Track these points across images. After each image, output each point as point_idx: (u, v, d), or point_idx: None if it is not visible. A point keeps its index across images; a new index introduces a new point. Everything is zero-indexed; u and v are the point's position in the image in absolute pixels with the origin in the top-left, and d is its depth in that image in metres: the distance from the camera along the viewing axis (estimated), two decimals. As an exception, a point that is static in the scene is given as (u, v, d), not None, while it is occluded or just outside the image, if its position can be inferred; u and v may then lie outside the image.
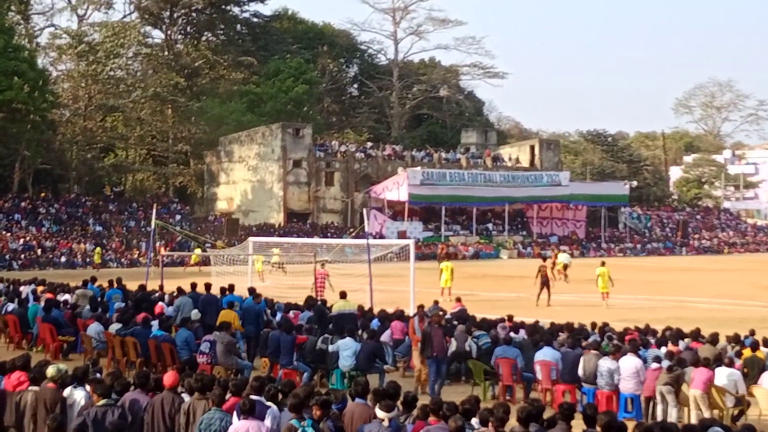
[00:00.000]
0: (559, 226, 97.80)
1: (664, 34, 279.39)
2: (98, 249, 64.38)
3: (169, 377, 13.70)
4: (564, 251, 68.47)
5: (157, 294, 29.57)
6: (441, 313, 23.61)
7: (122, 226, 75.35)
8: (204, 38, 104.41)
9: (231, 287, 27.65)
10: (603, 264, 43.11)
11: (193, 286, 27.93)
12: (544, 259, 47.64)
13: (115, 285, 29.76)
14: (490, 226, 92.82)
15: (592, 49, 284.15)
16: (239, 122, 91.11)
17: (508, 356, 20.54)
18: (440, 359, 20.70)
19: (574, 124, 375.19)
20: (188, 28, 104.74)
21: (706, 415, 17.33)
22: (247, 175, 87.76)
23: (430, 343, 20.57)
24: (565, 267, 53.87)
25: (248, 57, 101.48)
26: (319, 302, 27.66)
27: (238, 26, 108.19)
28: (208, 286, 27.56)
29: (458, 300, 30.43)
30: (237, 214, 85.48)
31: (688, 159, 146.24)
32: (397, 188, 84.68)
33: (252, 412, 12.45)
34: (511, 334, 23.01)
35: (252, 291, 27.58)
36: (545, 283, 41.54)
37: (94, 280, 30.93)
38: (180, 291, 27.77)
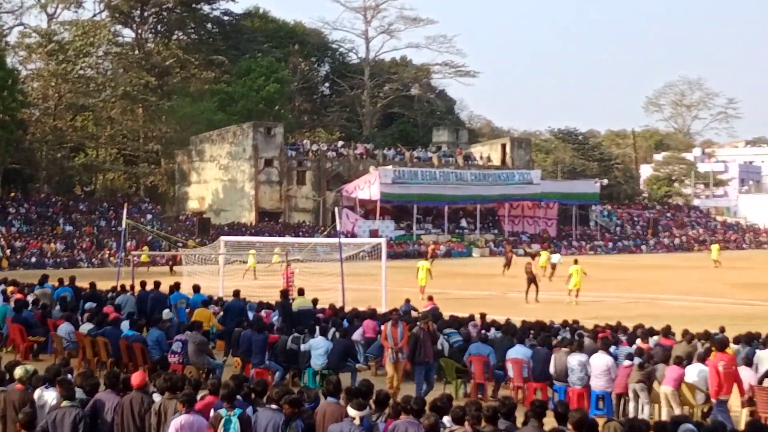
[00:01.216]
0: (530, 224, 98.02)
1: (635, 32, 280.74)
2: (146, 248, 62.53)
3: (136, 377, 13.64)
4: (556, 251, 69.30)
5: (108, 293, 29.43)
6: (428, 318, 23.48)
7: (93, 225, 74.91)
8: (175, 37, 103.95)
9: (176, 285, 27.51)
10: (576, 262, 43.64)
11: (156, 284, 27.85)
12: (532, 257, 48.34)
13: (66, 283, 29.48)
14: (463, 223, 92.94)
15: (563, 47, 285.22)
16: (210, 121, 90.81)
17: (481, 354, 20.57)
18: (430, 366, 20.48)
19: (546, 122, 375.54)
20: (159, 27, 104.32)
21: (677, 411, 17.42)
22: (218, 174, 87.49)
23: (420, 349, 20.20)
24: (554, 266, 54.12)
25: (219, 56, 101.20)
26: (291, 299, 27.67)
27: (209, 25, 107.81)
28: (157, 284, 27.51)
29: (430, 299, 30.47)
30: (208, 213, 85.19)
31: (659, 157, 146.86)
32: (368, 187, 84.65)
33: (192, 405, 12.50)
34: (484, 331, 23.07)
35: (236, 293, 27.66)
36: (532, 280, 42.04)
37: (46, 278, 30.62)
38: (122, 289, 27.85)
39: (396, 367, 20.44)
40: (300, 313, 25.63)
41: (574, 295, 41.11)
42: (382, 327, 21.40)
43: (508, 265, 57.65)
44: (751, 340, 21.84)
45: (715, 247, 72.86)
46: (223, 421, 12.35)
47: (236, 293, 27.49)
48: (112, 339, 21.98)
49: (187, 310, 26.61)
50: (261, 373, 20.62)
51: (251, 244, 54.00)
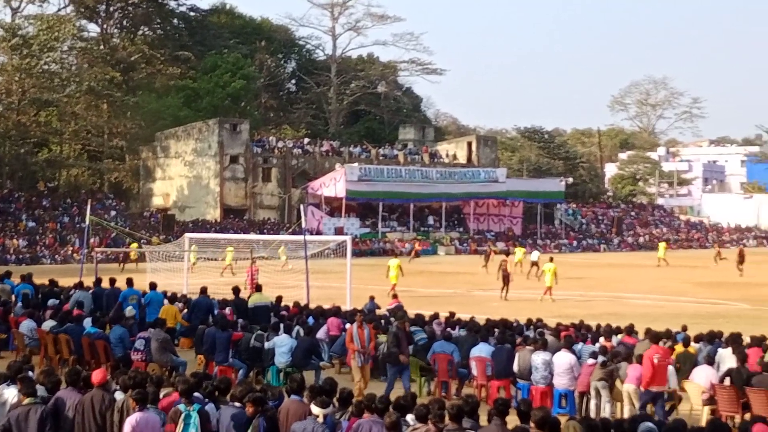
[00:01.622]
0: (495, 222, 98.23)
1: (601, 31, 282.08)
2: (134, 245, 61.36)
3: (97, 374, 13.58)
4: (537, 249, 70.65)
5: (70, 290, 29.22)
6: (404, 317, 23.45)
7: (56, 222, 74.39)
8: (140, 32, 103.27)
9: (129, 281, 27.33)
10: (551, 260, 44.32)
11: (112, 281, 27.67)
12: (507, 254, 49.29)
13: (25, 280, 29.23)
14: (430, 221, 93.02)
15: (529, 46, 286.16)
16: (176, 117, 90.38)
17: (444, 352, 20.59)
18: (405, 366, 20.41)
19: (512, 120, 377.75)
20: (124, 22, 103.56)
21: (639, 410, 17.52)
22: (183, 170, 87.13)
23: (397, 350, 20.14)
24: (534, 264, 54.37)
25: (185, 52, 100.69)
26: (254, 294, 27.64)
27: (175, 20, 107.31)
28: (112, 281, 27.37)
29: (395, 296, 30.54)
30: (173, 210, 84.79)
31: (623, 156, 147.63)
32: (334, 184, 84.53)
33: (146, 403, 12.48)
34: (448, 329, 23.10)
35: (203, 290, 27.56)
36: (506, 277, 42.57)
37: (9, 274, 30.37)
38: (79, 285, 27.69)
39: (362, 370, 20.36)
40: (256, 309, 25.71)
41: (549, 293, 41.50)
42: (348, 328, 21.23)
43: (486, 262, 57.88)
44: (712, 339, 22.00)
45: (662, 245, 73.40)
46: (182, 416, 12.33)
47: (203, 290, 27.37)
48: (75, 336, 21.81)
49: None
50: (224, 370, 20.54)
51: (228, 241, 53.57)
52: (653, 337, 19.26)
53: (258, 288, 27.67)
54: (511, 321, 24.94)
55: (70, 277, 34.83)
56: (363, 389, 19.51)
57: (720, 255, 68.43)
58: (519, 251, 64.01)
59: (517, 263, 58.10)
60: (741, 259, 60.09)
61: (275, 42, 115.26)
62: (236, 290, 27.27)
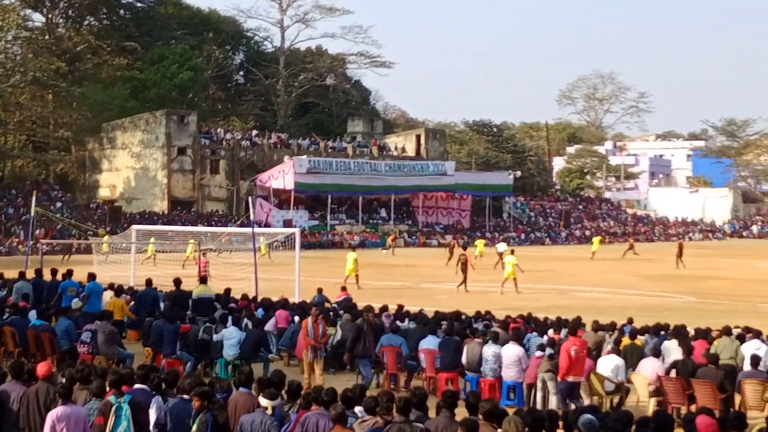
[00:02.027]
0: (444, 215, 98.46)
1: (549, 25, 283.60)
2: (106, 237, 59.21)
3: (42, 367, 13.45)
4: (502, 241, 72.19)
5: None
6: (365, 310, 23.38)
7: (1, 213, 73.56)
8: (86, 22, 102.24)
9: (69, 273, 27.10)
10: (512, 252, 45.19)
11: (53, 272, 27.41)
12: (464, 248, 49.45)
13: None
14: (383, 213, 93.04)
15: (477, 40, 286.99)
16: (122, 108, 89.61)
17: (393, 344, 20.60)
18: (370, 360, 20.38)
19: (460, 114, 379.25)
20: (70, 12, 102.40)
21: (586, 402, 17.64)
22: (130, 162, 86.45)
23: (363, 344, 20.04)
24: (501, 255, 54.65)
25: (132, 42, 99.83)
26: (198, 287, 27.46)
27: (122, 11, 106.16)
28: (53, 272, 27.15)
29: (343, 289, 30.53)
30: (120, 201, 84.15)
31: (571, 150, 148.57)
32: (282, 176, 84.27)
33: (70, 397, 12.39)
34: (397, 322, 23.11)
35: (149, 282, 27.43)
36: (465, 270, 42.95)
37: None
38: (21, 277, 27.46)
39: (315, 364, 20.26)
40: (199, 300, 25.60)
41: (511, 284, 42.09)
42: (302, 323, 21.08)
43: (450, 256, 58.20)
44: (658, 331, 22.21)
45: (596, 239, 73.78)
46: (113, 408, 12.22)
47: (148, 282, 27.22)
48: (20, 328, 21.57)
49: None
50: (172, 363, 20.43)
51: (164, 233, 53.35)
52: (571, 329, 19.56)
53: (203, 280, 27.54)
54: (462, 313, 25.01)
55: (14, 268, 34.45)
56: (320, 383, 19.20)
57: (633, 249, 69.22)
58: (480, 243, 64.76)
59: (479, 255, 58.75)
60: (680, 252, 60.77)
61: (223, 33, 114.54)
62: (177, 281, 27.07)
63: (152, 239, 50.84)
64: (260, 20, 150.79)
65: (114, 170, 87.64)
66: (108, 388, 12.76)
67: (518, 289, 41.73)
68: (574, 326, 19.92)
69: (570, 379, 17.87)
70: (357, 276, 43.42)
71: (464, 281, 42.79)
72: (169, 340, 21.15)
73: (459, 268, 43.83)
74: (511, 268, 42.31)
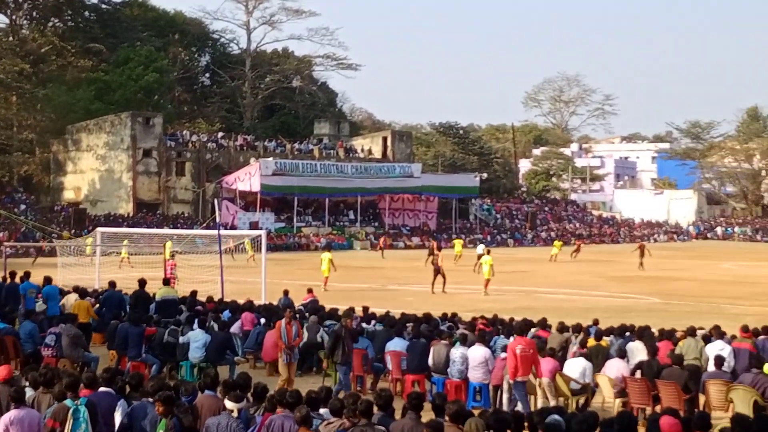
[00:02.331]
0: (410, 217, 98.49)
1: (515, 28, 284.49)
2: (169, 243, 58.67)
3: (2, 370, 13.35)
4: (482, 242, 74.97)
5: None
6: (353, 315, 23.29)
7: (-36, 216, 72.97)
8: (51, 24, 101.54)
9: (26, 274, 26.93)
10: (488, 253, 45.60)
11: (12, 275, 27.21)
12: (438, 249, 49.42)
13: None
14: (351, 215, 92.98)
15: (444, 42, 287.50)
16: (87, 110, 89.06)
17: (359, 347, 20.59)
18: (349, 365, 20.14)
19: (427, 116, 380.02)
20: (34, 13, 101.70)
21: (552, 403, 17.68)
22: (95, 164, 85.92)
23: (342, 348, 19.70)
24: (480, 257, 54.97)
25: (97, 44, 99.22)
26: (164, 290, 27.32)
27: (87, 12, 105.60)
28: (12, 275, 26.98)
29: (309, 291, 30.42)
30: (84, 204, 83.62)
31: (537, 152, 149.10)
32: (249, 179, 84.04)
33: (23, 400, 12.31)
34: (363, 324, 23.09)
35: (112, 284, 27.24)
36: (437, 271, 43.16)
37: None
38: None
39: (289, 367, 20.19)
40: (163, 302, 25.51)
41: (490, 284, 42.38)
42: (275, 325, 20.94)
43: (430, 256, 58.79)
44: (623, 332, 22.30)
45: (557, 243, 73.75)
46: (71, 411, 12.14)
47: (112, 284, 27.06)
48: (-18, 332, 21.39)
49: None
50: (137, 366, 20.32)
51: (130, 235, 53.08)
52: (519, 329, 19.64)
53: (166, 282, 27.45)
54: (430, 315, 25.02)
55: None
56: (289, 387, 19.20)
57: (579, 251, 69.49)
58: (458, 244, 65.29)
59: (458, 256, 59.19)
60: (641, 254, 61.26)
61: (189, 35, 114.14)
62: (142, 282, 26.91)
63: (125, 242, 50.64)
64: (226, 22, 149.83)
65: (79, 172, 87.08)
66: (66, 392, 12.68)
67: (487, 291, 41.80)
68: (520, 327, 20.09)
69: (519, 379, 17.97)
70: (326, 278, 43.46)
71: (443, 282, 42.96)
72: (135, 343, 21.03)
73: (433, 268, 44.12)
74: (488, 268, 42.59)
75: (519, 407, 17.66)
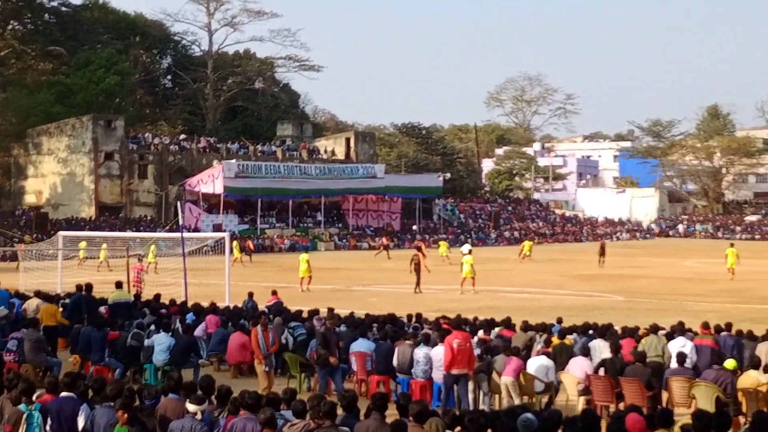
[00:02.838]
0: (374, 218, 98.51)
1: (476, 27, 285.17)
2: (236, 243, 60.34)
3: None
4: (467, 242, 74.30)
5: None
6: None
7: (-76, 221, 72.32)
8: (10, 27, 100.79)
9: None
10: (470, 252, 46.98)
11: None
12: (418, 249, 50.35)
13: None
14: (319, 217, 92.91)
15: (405, 42, 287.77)
16: (48, 114, 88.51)
17: (323, 348, 20.56)
18: (336, 367, 19.87)
19: (389, 116, 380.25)
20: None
21: (517, 401, 17.74)
22: (56, 167, 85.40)
23: (326, 351, 19.53)
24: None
25: (57, 47, 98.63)
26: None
27: (46, 15, 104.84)
28: None
29: (274, 293, 30.37)
30: (46, 207, 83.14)
31: (500, 151, 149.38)
32: (212, 181, 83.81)
33: None
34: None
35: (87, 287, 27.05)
36: (417, 271, 43.79)
37: None
38: None
39: (268, 375, 20.04)
40: (116, 305, 25.42)
41: (470, 284, 43.06)
42: (252, 331, 20.66)
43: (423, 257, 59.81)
44: (587, 330, 22.41)
45: (527, 243, 73.40)
46: (25, 416, 12.09)
47: (79, 288, 26.92)
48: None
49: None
50: (101, 370, 20.23)
51: (91, 239, 52.75)
52: (455, 324, 19.89)
53: (118, 284, 27.31)
54: (394, 316, 25.04)
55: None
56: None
57: (522, 254, 69.42)
58: (443, 244, 65.71)
59: (445, 257, 59.64)
60: (602, 251, 61.77)
61: (150, 37, 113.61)
62: (89, 287, 26.78)
63: (104, 245, 50.37)
64: (188, 24, 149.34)
65: (40, 176, 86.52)
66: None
67: (469, 290, 42.16)
68: (457, 322, 20.36)
69: (454, 371, 18.19)
70: (302, 279, 43.94)
71: (417, 282, 43.24)
72: (98, 346, 20.94)
73: (412, 269, 44.75)
74: (469, 267, 43.13)
75: (484, 405, 17.72)
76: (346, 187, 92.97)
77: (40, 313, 23.90)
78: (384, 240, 77.19)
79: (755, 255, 71.00)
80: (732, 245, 56.62)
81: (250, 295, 29.41)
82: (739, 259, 53.58)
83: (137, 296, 29.22)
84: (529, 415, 11.84)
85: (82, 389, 13.11)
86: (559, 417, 12.00)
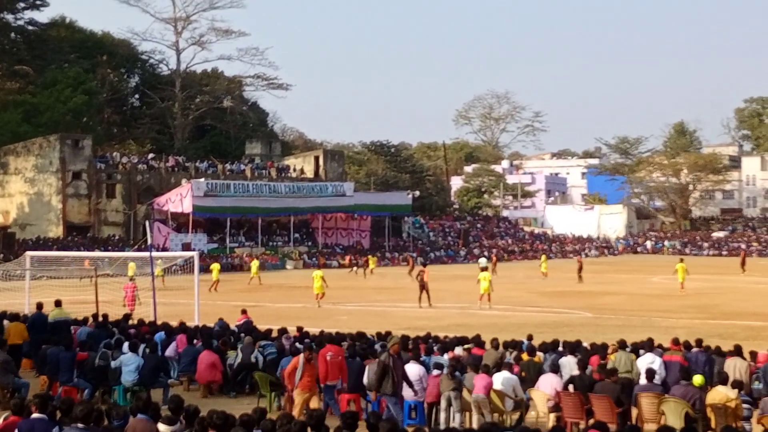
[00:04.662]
0: (344, 236, 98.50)
1: (445, 46, 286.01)
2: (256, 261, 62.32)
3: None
4: (484, 255, 77.15)
5: None
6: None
7: None
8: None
9: None
10: (486, 269, 48.94)
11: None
12: (424, 265, 51.77)
13: None
14: (297, 236, 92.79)
15: (373, 61, 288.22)
16: (15, 133, 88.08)
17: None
18: (399, 395, 18.47)
19: (358, 135, 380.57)
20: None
21: (488, 419, 17.75)
22: (23, 187, 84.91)
23: (390, 379, 17.92)
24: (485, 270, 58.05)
25: (24, 66, 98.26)
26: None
27: (12, 34, 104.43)
28: None
29: (243, 312, 30.24)
30: (13, 228, 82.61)
31: (469, 169, 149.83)
32: (180, 200, 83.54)
33: None
34: (297, 344, 23.02)
35: (39, 305, 26.96)
36: (423, 286, 44.59)
37: None
38: None
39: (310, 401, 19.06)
40: (56, 324, 25.28)
41: (486, 299, 43.66)
42: (293, 360, 19.48)
43: (411, 270, 63.29)
44: (556, 347, 22.46)
45: (544, 258, 73.27)
46: None
47: (39, 306, 26.74)
48: None
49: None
50: (69, 391, 20.08)
51: (60, 258, 52.32)
52: (327, 339, 20.75)
53: (57, 303, 27.03)
54: (363, 334, 25.01)
55: None
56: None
57: (494, 267, 69.44)
58: (372, 260, 66.07)
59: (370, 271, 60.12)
60: (580, 268, 62.26)
61: (117, 56, 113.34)
62: (39, 305, 26.68)
63: (132, 263, 49.87)
64: (155, 43, 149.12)
65: (7, 196, 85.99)
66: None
67: (489, 306, 43.14)
68: (330, 338, 20.98)
69: (329, 383, 19.11)
70: (317, 295, 44.83)
71: (427, 297, 44.39)
72: (66, 367, 20.79)
73: (417, 284, 45.46)
74: (487, 283, 43.97)
75: (456, 423, 17.70)
76: (316, 205, 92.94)
77: (7, 332, 23.76)
78: (367, 260, 76.41)
79: (722, 271, 71.56)
80: (681, 260, 57.41)
81: (220, 320, 29.09)
82: (688, 274, 54.34)
83: (127, 316, 29.03)
84: None
85: (50, 410, 13.01)
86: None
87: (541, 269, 68.39)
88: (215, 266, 55.86)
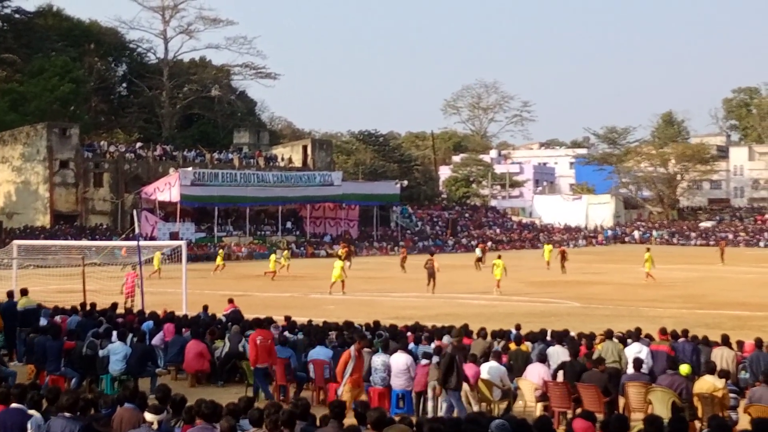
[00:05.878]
0: (332, 225, 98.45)
1: (433, 35, 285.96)
2: (273, 256, 62.16)
3: None
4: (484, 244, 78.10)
5: None
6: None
7: None
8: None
9: None
10: (499, 257, 50.83)
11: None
12: (431, 254, 53.20)
13: None
14: (288, 225, 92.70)
15: (362, 50, 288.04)
16: (2, 121, 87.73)
17: (281, 356, 20.53)
18: (459, 390, 18.10)
19: (346, 124, 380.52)
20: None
21: (475, 408, 17.77)
22: (10, 176, 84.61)
23: (454, 374, 17.67)
24: (480, 259, 64.22)
25: (10, 54, 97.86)
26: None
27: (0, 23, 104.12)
28: None
29: (230, 301, 30.18)
30: (0, 216, 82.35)
31: (457, 159, 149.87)
32: (168, 189, 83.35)
33: None
34: (286, 333, 23.02)
35: (10, 293, 26.86)
36: (431, 275, 46.66)
37: None
38: None
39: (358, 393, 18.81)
40: (25, 312, 25.24)
41: (498, 286, 46.50)
42: (343, 354, 19.20)
43: (403, 262, 64.36)
44: (544, 337, 22.51)
45: (548, 247, 72.90)
46: None
47: (10, 294, 26.63)
48: None
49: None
50: (56, 380, 20.03)
51: (46, 247, 52.18)
52: (256, 324, 21.76)
53: (24, 291, 26.93)
54: (351, 323, 25.01)
55: None
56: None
57: (482, 261, 68.96)
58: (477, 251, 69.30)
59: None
60: (563, 257, 62.14)
61: (105, 45, 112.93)
62: (9, 294, 26.61)
63: (158, 253, 49.60)
64: (143, 31, 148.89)
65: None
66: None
67: (500, 291, 45.82)
68: (259, 323, 21.77)
69: (260, 365, 20.15)
70: (335, 284, 45.33)
71: (433, 285, 46.30)
72: (54, 356, 20.74)
73: (426, 273, 47.19)
74: (500, 270, 47.32)
75: (443, 412, 17.72)
76: (304, 194, 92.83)
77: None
78: (404, 251, 74.35)
79: (709, 261, 71.69)
80: (648, 249, 57.72)
81: (205, 307, 29.00)
82: (654, 264, 54.60)
83: (115, 305, 28.81)
84: (500, 420, 11.81)
85: (35, 399, 12.97)
86: (526, 424, 11.97)
87: (544, 258, 67.97)
88: (221, 253, 65.01)
